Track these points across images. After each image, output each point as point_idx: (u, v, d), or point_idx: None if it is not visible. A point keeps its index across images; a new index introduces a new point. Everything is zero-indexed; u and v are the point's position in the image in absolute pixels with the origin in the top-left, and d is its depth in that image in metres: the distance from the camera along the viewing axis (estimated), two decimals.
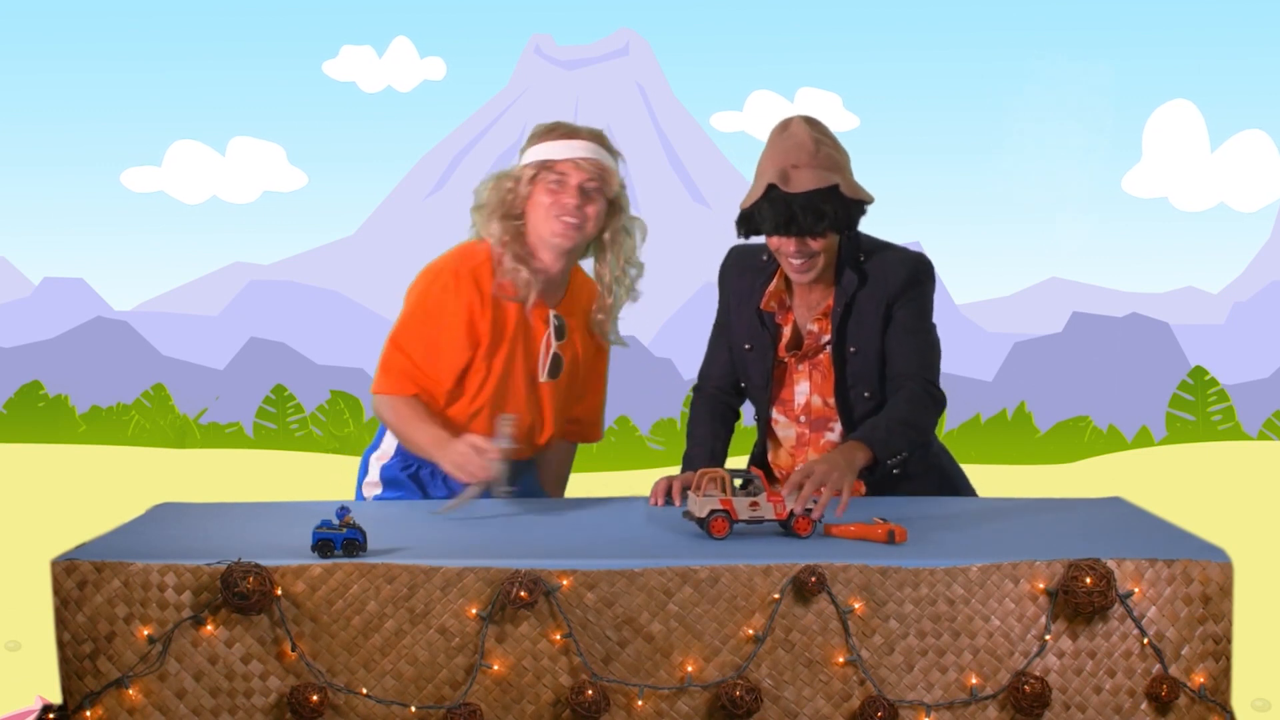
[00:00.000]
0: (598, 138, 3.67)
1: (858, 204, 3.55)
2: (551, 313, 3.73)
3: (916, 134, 12.40)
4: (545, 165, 3.62)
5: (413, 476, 3.78)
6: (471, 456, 3.42)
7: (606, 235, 3.73)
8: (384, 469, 3.82)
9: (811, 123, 3.60)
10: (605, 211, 3.68)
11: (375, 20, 12.69)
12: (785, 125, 3.59)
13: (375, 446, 3.87)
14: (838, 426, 3.69)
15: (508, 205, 3.65)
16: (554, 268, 3.70)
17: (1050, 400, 11.44)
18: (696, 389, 3.88)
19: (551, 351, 3.73)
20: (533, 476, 3.92)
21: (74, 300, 12.41)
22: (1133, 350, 11.64)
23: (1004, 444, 11.25)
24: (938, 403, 3.63)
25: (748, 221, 3.57)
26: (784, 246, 3.56)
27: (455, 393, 3.71)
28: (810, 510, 3.07)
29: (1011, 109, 12.31)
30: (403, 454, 3.79)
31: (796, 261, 3.57)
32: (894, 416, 3.55)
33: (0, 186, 12.48)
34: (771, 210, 3.51)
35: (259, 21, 12.66)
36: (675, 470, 3.74)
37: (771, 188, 3.51)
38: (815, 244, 3.55)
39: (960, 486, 3.80)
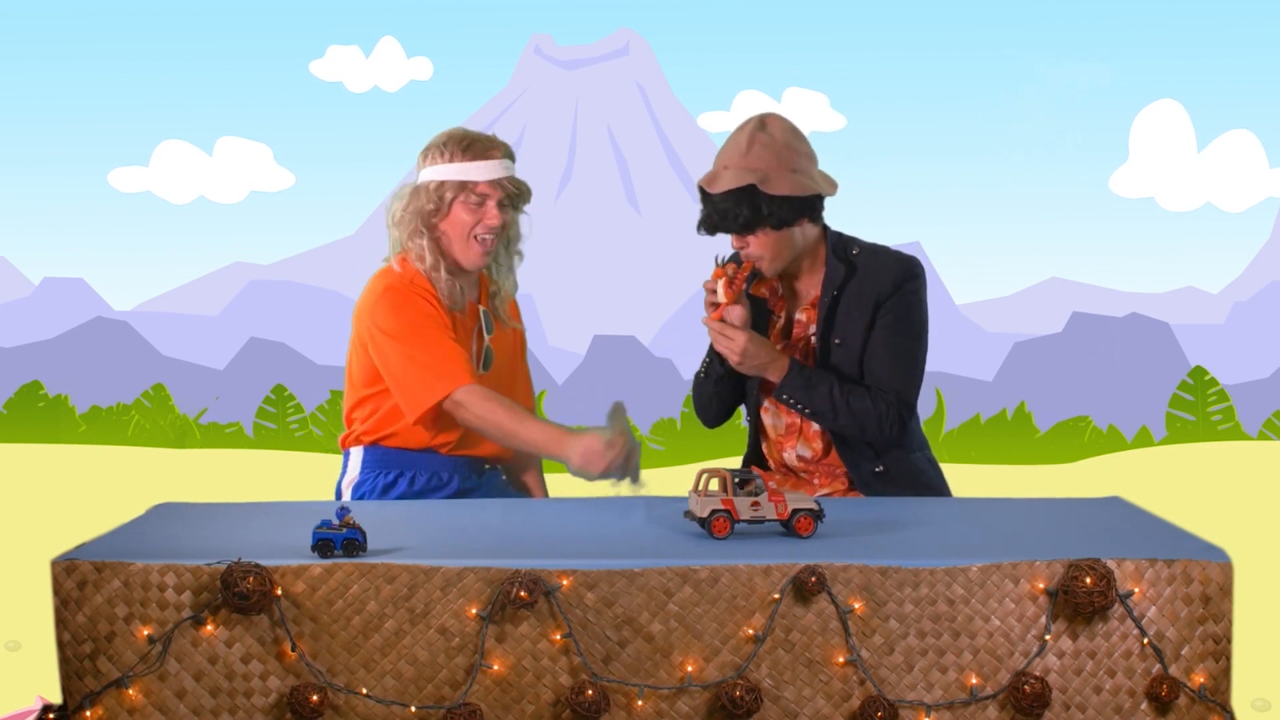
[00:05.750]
0: (507, 151, 3.76)
1: (790, 200, 3.56)
2: (481, 309, 3.83)
3: (905, 133, 12.34)
4: (465, 186, 3.70)
5: (387, 487, 3.78)
6: (598, 452, 3.49)
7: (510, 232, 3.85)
8: (356, 491, 3.81)
9: (763, 122, 3.62)
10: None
11: (362, 21, 12.65)
12: (742, 125, 3.65)
13: (343, 473, 3.87)
14: None
15: (425, 219, 3.73)
16: (473, 274, 3.84)
17: (1050, 400, 11.41)
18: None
19: (484, 345, 3.82)
20: (498, 477, 3.93)
21: (74, 300, 12.38)
22: (1133, 350, 11.61)
23: (1004, 444, 11.23)
24: (901, 423, 3.66)
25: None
26: (733, 243, 3.65)
27: None
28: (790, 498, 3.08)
29: (1003, 108, 12.28)
30: (371, 468, 3.79)
31: (752, 257, 3.64)
32: (842, 389, 3.61)
33: (0, 187, 12.45)
34: (701, 211, 3.64)
35: (246, 22, 12.63)
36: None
37: (701, 189, 3.63)
38: (752, 242, 3.60)
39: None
